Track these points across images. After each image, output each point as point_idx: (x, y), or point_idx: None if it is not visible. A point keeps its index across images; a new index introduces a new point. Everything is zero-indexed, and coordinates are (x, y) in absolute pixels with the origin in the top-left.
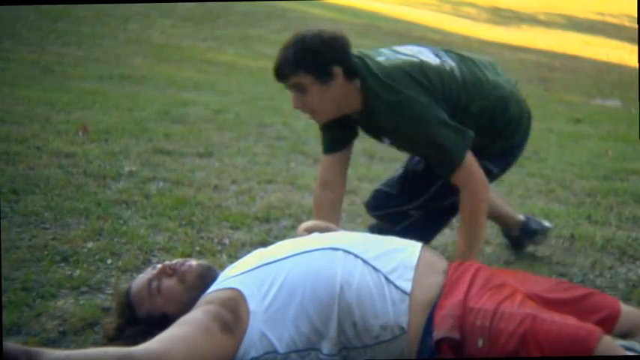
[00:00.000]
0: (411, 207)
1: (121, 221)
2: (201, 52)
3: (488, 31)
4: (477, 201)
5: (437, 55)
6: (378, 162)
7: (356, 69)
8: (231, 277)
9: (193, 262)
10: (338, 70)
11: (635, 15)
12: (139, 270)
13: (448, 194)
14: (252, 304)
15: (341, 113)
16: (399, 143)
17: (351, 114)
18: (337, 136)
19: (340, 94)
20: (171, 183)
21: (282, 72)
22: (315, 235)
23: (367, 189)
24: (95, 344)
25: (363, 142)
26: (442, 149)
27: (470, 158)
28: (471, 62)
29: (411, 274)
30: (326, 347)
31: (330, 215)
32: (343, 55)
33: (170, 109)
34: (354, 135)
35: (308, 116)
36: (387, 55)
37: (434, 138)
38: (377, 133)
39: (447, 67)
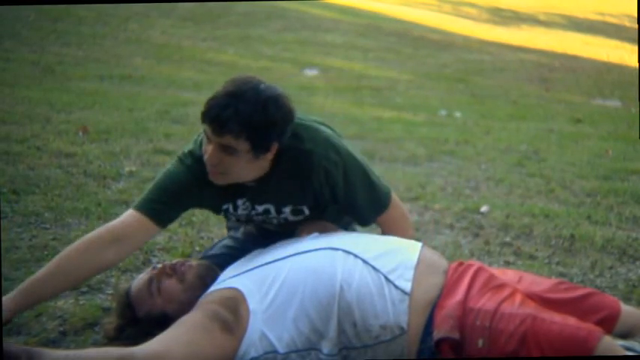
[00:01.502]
0: None
1: None
2: (202, 52)
3: (489, 31)
4: (405, 219)
5: None
6: (378, 162)
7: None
8: (230, 276)
9: (193, 263)
10: (274, 147)
11: (635, 15)
12: (139, 270)
13: None
14: (252, 304)
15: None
16: (301, 205)
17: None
18: (177, 207)
19: (260, 168)
20: None
21: (224, 125)
22: (315, 235)
23: None
24: (95, 344)
25: (363, 143)
26: (375, 190)
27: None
28: None
29: (410, 274)
30: (326, 347)
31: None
32: (286, 135)
33: (170, 109)
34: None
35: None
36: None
37: (369, 184)
38: (271, 200)
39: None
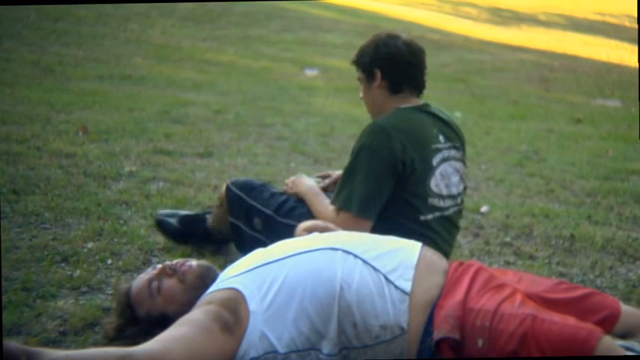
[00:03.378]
0: None
1: (121, 221)
2: (202, 52)
3: (489, 31)
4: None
5: None
6: None
7: (399, 85)
8: (231, 277)
9: (193, 263)
10: (377, 74)
11: (635, 15)
12: (139, 270)
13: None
14: (252, 304)
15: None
16: None
17: None
18: None
19: (377, 100)
20: (172, 183)
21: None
22: (315, 235)
23: None
24: (95, 344)
25: None
26: (347, 186)
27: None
28: None
29: (411, 274)
30: (326, 347)
31: None
32: (386, 64)
33: (170, 109)
34: None
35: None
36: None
37: (352, 173)
38: None
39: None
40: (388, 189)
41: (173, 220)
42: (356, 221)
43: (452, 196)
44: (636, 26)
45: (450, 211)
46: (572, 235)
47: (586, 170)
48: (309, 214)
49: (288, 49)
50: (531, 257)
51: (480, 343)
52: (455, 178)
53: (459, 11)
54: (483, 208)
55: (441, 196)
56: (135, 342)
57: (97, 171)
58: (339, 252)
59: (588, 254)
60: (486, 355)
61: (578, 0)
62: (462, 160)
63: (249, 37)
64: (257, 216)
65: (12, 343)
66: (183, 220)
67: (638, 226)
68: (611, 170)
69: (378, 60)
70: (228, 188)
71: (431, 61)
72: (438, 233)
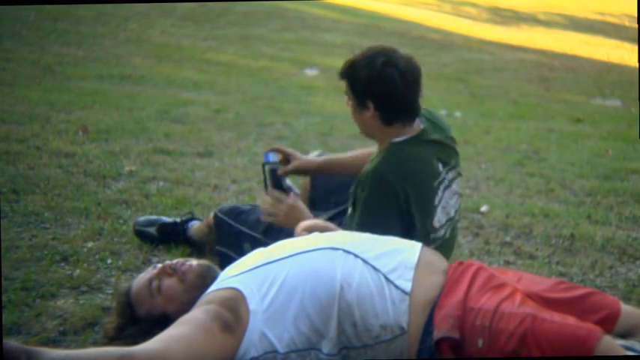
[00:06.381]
0: None
1: (121, 221)
2: (201, 51)
3: (489, 31)
4: None
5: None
6: None
7: (394, 120)
8: (231, 276)
9: (194, 262)
10: (370, 106)
11: (635, 15)
12: (139, 270)
13: None
14: (252, 304)
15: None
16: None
17: None
18: None
19: (370, 127)
20: (171, 183)
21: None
22: (315, 234)
23: None
24: (95, 344)
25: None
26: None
27: None
28: None
29: (411, 274)
30: (326, 347)
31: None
32: (382, 99)
33: (170, 108)
34: None
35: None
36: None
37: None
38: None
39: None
40: (398, 233)
41: (152, 229)
42: None
43: (450, 219)
44: (636, 26)
45: (448, 234)
46: (572, 235)
47: (586, 170)
48: None
49: (287, 49)
50: (531, 257)
51: (480, 342)
52: (452, 200)
53: (459, 11)
54: (483, 208)
55: (441, 227)
56: (135, 341)
57: (97, 170)
58: (340, 252)
59: (588, 254)
60: (486, 355)
61: (578, 0)
62: (459, 174)
63: (249, 36)
64: (246, 240)
65: (12, 343)
66: (162, 229)
67: (638, 225)
68: (611, 170)
69: (370, 94)
70: (215, 216)
71: (431, 61)
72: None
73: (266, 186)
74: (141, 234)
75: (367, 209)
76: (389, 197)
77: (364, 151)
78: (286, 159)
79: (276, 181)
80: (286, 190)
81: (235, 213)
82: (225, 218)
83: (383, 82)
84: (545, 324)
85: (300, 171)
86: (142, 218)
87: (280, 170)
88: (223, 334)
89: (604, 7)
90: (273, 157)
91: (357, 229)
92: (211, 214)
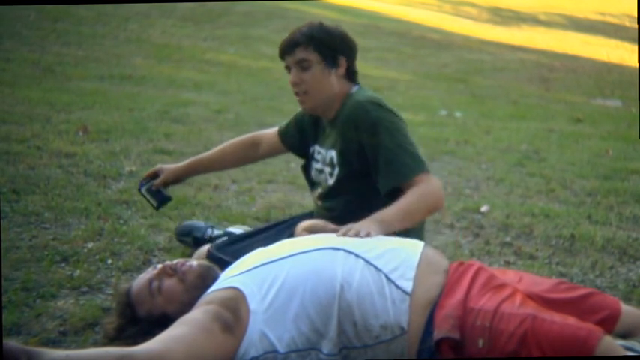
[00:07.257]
0: None
1: (122, 221)
2: (202, 52)
3: (489, 31)
4: (433, 193)
5: None
6: None
7: (356, 74)
8: (231, 276)
9: (194, 262)
10: (343, 62)
11: (635, 15)
12: (139, 270)
13: None
14: (253, 304)
15: (323, 108)
16: (344, 158)
17: (324, 118)
18: (296, 135)
19: (335, 86)
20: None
21: (294, 42)
22: (316, 234)
23: None
24: (95, 344)
25: None
26: (408, 154)
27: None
28: None
29: (412, 274)
30: (326, 347)
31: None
32: (351, 54)
33: (170, 109)
34: (302, 154)
35: (296, 99)
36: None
37: (394, 150)
38: (328, 146)
39: None
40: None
41: (189, 239)
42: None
43: None
44: (636, 26)
45: None
46: (572, 235)
47: (586, 170)
48: None
49: None
50: (531, 257)
51: (480, 342)
52: None
53: (459, 11)
54: (483, 208)
55: None
56: (135, 342)
57: (97, 171)
58: (341, 252)
59: (588, 254)
60: (486, 355)
61: (578, 0)
62: None
63: (249, 36)
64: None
65: (12, 343)
66: (196, 242)
67: (638, 225)
68: (611, 170)
69: (342, 50)
70: (209, 253)
71: (431, 61)
72: None
73: (152, 205)
74: (182, 243)
75: (391, 125)
76: (397, 115)
77: (231, 142)
78: (155, 175)
79: (156, 196)
80: (169, 198)
81: (228, 245)
82: (220, 255)
83: (349, 39)
84: (546, 324)
85: (170, 180)
86: (179, 227)
87: (154, 186)
88: (223, 334)
89: (604, 8)
90: (145, 183)
91: (395, 147)
92: (205, 251)
